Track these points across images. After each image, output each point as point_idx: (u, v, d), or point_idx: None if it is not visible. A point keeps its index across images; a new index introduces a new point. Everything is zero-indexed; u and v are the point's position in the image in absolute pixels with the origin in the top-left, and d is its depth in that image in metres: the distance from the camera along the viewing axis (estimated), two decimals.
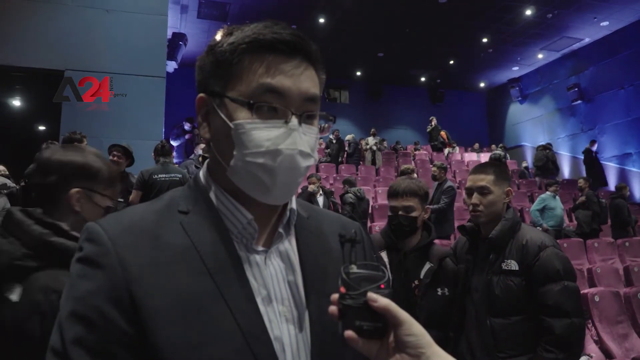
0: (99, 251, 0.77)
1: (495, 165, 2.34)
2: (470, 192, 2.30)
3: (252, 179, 0.83)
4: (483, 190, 2.24)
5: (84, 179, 1.39)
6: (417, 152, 15.89)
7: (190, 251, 0.80)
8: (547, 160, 13.68)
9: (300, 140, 0.83)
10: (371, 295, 0.74)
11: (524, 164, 15.73)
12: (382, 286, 0.77)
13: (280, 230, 0.90)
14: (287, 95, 0.82)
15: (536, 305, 2.06)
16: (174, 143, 12.09)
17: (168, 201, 0.89)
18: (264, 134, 0.81)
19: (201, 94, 0.89)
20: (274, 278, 0.87)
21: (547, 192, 8.94)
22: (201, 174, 0.94)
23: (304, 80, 0.84)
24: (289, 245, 0.92)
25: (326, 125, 0.94)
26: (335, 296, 0.77)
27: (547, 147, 14.14)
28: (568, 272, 2.09)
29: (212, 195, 0.89)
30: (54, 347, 0.74)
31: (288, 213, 0.92)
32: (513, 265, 2.13)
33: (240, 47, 0.83)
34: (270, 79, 0.81)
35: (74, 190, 1.37)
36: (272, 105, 0.82)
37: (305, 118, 0.85)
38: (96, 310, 0.73)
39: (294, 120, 0.82)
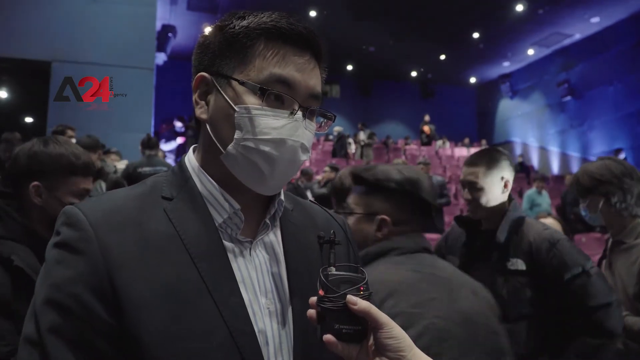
0: (80, 237, 0.74)
1: (488, 154, 2.09)
2: (463, 186, 2.10)
3: (249, 166, 0.82)
4: (474, 186, 2.02)
5: None
6: (407, 147, 15.92)
7: (174, 240, 0.78)
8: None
9: (304, 134, 0.83)
10: (350, 297, 0.73)
11: (519, 159, 15.75)
12: (362, 289, 0.76)
13: (267, 221, 0.88)
14: (296, 88, 0.82)
15: (550, 306, 1.86)
16: (165, 147, 10.31)
17: (151, 186, 0.86)
18: (270, 122, 0.80)
19: (202, 73, 0.86)
20: (258, 270, 0.85)
21: (532, 189, 9.03)
22: (187, 159, 0.91)
23: (312, 76, 0.85)
24: (274, 237, 0.91)
25: (324, 121, 0.93)
26: (313, 299, 0.76)
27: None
28: (587, 258, 1.88)
29: (198, 182, 0.86)
30: (28, 336, 0.72)
31: (276, 204, 0.90)
32: (520, 264, 1.90)
33: (256, 32, 0.82)
34: (282, 69, 0.81)
35: None
36: (281, 94, 0.81)
37: (308, 113, 0.85)
38: (74, 298, 0.70)
39: (299, 113, 0.82)
